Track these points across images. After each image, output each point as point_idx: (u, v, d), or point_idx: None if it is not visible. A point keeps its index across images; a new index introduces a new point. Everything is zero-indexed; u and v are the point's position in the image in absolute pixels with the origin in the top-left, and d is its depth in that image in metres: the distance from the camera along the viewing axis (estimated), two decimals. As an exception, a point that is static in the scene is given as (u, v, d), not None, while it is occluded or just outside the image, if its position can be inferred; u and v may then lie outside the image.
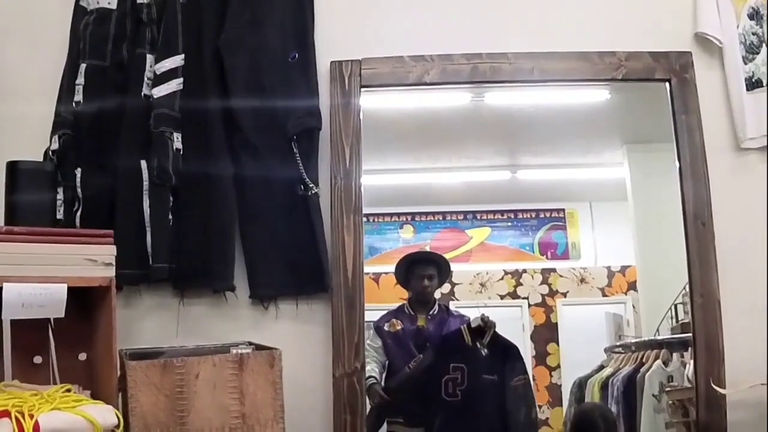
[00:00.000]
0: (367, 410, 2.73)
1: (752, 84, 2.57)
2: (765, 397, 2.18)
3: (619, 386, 3.26)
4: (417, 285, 3.24)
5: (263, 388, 2.01)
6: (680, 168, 2.52)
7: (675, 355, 2.93)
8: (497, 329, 3.17)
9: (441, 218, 3.84)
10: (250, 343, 2.21)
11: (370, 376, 2.98)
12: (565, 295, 3.74)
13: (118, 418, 1.81)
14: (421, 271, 3.27)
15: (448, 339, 3.16)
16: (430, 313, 3.22)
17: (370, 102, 2.60)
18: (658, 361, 3.13)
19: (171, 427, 1.92)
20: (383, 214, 3.72)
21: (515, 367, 3.18)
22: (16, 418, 1.67)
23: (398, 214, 3.80)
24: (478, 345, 3.11)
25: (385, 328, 3.13)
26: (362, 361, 2.40)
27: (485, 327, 3.12)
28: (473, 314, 3.41)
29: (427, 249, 3.71)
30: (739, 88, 2.57)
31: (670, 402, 2.79)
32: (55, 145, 2.36)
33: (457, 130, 3.25)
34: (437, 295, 3.40)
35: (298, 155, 2.46)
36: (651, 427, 3.04)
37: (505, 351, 3.16)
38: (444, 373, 3.00)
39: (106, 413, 1.80)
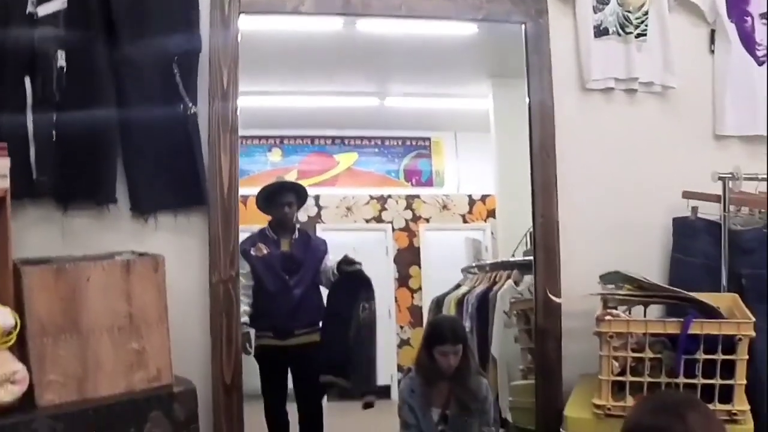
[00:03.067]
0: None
1: (600, 32, 3.02)
2: (594, 306, 2.61)
3: (473, 303, 3.72)
4: (278, 212, 3.58)
5: (149, 291, 2.34)
6: (530, 104, 2.98)
7: (526, 277, 3.37)
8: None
9: (309, 142, 4.12)
10: (133, 252, 2.53)
11: (242, 323, 3.35)
12: (428, 220, 4.13)
13: (15, 319, 2.08)
14: (282, 199, 3.59)
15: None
16: (293, 237, 3.58)
17: (246, 23, 2.84)
18: (510, 281, 3.60)
19: (65, 327, 2.20)
20: (252, 137, 3.95)
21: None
22: None
23: (267, 137, 4.04)
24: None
25: (252, 252, 3.48)
26: (236, 270, 2.76)
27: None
28: (337, 238, 3.79)
29: (295, 174, 4.01)
30: (588, 34, 3.02)
31: (515, 312, 3.30)
32: (-63, 59, 2.54)
33: (329, 55, 3.49)
34: (304, 219, 3.77)
35: (178, 75, 2.73)
36: (502, 339, 3.51)
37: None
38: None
39: (4, 315, 2.06)
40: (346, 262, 3.52)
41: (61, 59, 2.62)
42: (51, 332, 2.18)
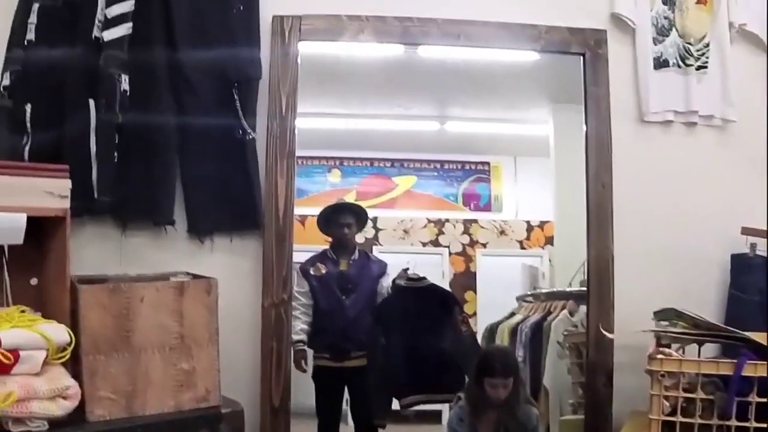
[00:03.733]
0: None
1: (659, 63, 3.01)
2: (647, 341, 2.57)
3: (527, 332, 3.65)
4: (337, 233, 3.57)
5: (200, 312, 2.37)
6: (587, 134, 2.97)
7: (582, 307, 3.27)
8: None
9: (368, 164, 4.13)
10: (188, 273, 2.58)
11: (299, 341, 3.38)
12: (485, 245, 4.10)
13: (70, 336, 2.13)
14: (342, 220, 3.57)
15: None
16: (352, 258, 3.57)
17: (307, 47, 2.90)
18: (565, 311, 3.53)
19: (117, 344, 2.25)
20: (312, 157, 3.98)
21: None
22: None
23: (327, 158, 4.07)
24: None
25: (311, 272, 3.48)
26: (289, 293, 2.81)
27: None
28: (394, 260, 3.78)
29: (353, 195, 4.03)
30: (647, 66, 3.01)
31: (567, 345, 3.26)
32: (6, 82, 2.65)
33: (390, 78, 3.50)
34: (360, 240, 3.78)
35: (237, 101, 2.81)
36: (554, 370, 3.43)
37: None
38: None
39: (59, 331, 2.11)
40: (410, 278, 3.50)
41: (125, 83, 2.71)
42: (104, 349, 2.24)
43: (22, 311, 2.20)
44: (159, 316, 2.32)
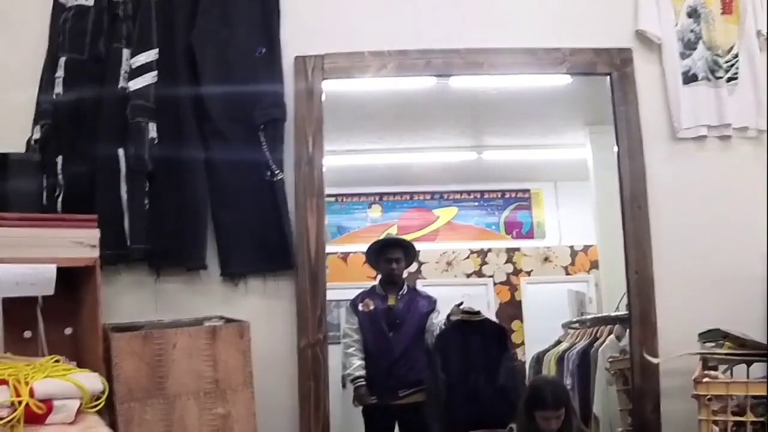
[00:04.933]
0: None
1: (688, 78, 2.95)
2: (694, 365, 2.52)
3: (574, 360, 3.59)
4: (385, 268, 3.59)
5: (234, 356, 2.37)
6: (618, 155, 2.91)
7: (629, 331, 3.24)
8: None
9: (408, 198, 4.15)
10: (222, 317, 2.58)
11: (359, 377, 3.37)
12: (529, 273, 4.07)
13: (104, 384, 2.11)
14: (390, 255, 3.60)
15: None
16: (400, 293, 3.57)
17: (337, 85, 2.91)
18: (611, 336, 3.48)
19: (152, 391, 2.26)
20: (352, 195, 4.02)
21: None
22: (14, 385, 1.93)
23: (366, 194, 4.09)
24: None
25: (360, 308, 3.51)
26: (325, 333, 2.78)
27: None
28: (439, 292, 3.75)
29: (395, 229, 4.03)
30: (676, 81, 2.95)
31: (613, 372, 3.18)
32: (36, 135, 2.70)
33: (423, 111, 3.52)
34: (404, 274, 3.77)
35: (264, 143, 2.82)
36: (604, 397, 3.37)
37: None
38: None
39: (93, 380, 2.09)
40: (465, 311, 3.47)
41: (153, 131, 2.75)
42: (138, 396, 2.25)
43: (56, 361, 2.20)
44: (192, 361, 2.32)
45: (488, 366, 3.41)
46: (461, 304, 3.48)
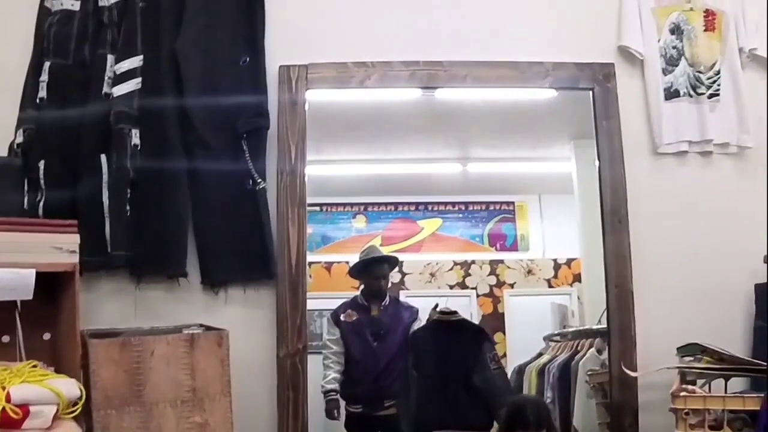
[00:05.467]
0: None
1: (670, 94, 2.97)
2: (672, 379, 2.52)
3: (554, 373, 3.57)
4: (372, 284, 3.57)
5: (212, 365, 2.36)
6: (600, 169, 2.93)
7: (608, 344, 3.24)
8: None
9: (393, 209, 4.12)
10: (201, 325, 2.57)
11: (331, 390, 3.35)
12: (512, 286, 4.05)
13: (81, 390, 2.12)
14: (377, 272, 3.59)
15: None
16: (383, 304, 3.55)
17: (323, 95, 2.92)
18: (592, 350, 3.47)
19: (129, 399, 2.25)
20: (336, 204, 3.99)
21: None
22: None
23: (351, 204, 4.07)
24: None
25: (342, 318, 3.47)
26: (304, 342, 2.77)
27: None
28: (422, 303, 3.74)
29: (379, 240, 4.01)
30: (658, 97, 2.97)
31: (592, 385, 3.18)
32: (19, 139, 2.69)
33: (409, 122, 3.50)
34: (388, 285, 3.76)
35: (247, 152, 2.82)
36: (584, 410, 3.34)
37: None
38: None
39: (70, 386, 2.10)
40: (442, 312, 3.47)
41: (135, 137, 2.74)
42: (115, 404, 2.24)
43: (34, 366, 2.19)
44: (170, 369, 2.32)
45: (464, 366, 3.39)
46: (437, 306, 3.48)
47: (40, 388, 2.05)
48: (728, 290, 2.91)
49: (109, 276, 2.77)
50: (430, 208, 4.13)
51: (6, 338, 2.43)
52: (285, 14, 2.95)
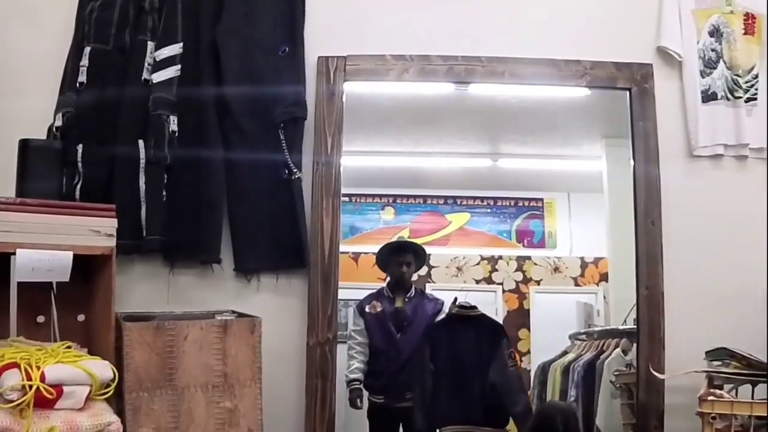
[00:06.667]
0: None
1: (707, 96, 2.96)
2: (699, 382, 2.51)
3: (579, 371, 3.56)
4: (395, 271, 3.55)
5: (244, 351, 2.38)
6: (634, 170, 2.92)
7: (635, 346, 3.16)
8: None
9: (422, 201, 4.12)
10: (233, 312, 2.60)
11: (355, 380, 3.36)
12: (538, 282, 4.03)
13: (114, 372, 2.14)
14: (400, 258, 3.57)
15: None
16: (408, 295, 3.54)
17: (357, 87, 2.93)
18: (618, 350, 3.45)
19: (161, 382, 2.27)
20: (365, 195, 3.98)
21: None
22: (25, 369, 1.98)
23: (380, 196, 4.06)
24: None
25: (367, 309, 3.47)
26: (334, 332, 2.79)
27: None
28: (446, 297, 3.74)
29: (407, 232, 4.02)
30: (695, 99, 2.96)
31: (618, 385, 3.17)
32: (58, 123, 2.71)
33: (441, 116, 3.51)
34: (414, 278, 3.76)
35: (283, 141, 2.83)
36: (607, 410, 3.34)
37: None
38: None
39: (103, 368, 2.13)
40: (462, 306, 3.46)
41: (173, 124, 2.76)
42: (147, 386, 2.26)
43: (68, 347, 2.23)
44: (202, 354, 2.34)
45: (480, 361, 3.38)
46: (456, 300, 3.48)
47: (74, 369, 2.08)
48: (759, 296, 2.88)
49: (142, 260, 2.79)
50: (458, 202, 4.11)
51: (41, 319, 2.47)
52: (325, 5, 2.96)
